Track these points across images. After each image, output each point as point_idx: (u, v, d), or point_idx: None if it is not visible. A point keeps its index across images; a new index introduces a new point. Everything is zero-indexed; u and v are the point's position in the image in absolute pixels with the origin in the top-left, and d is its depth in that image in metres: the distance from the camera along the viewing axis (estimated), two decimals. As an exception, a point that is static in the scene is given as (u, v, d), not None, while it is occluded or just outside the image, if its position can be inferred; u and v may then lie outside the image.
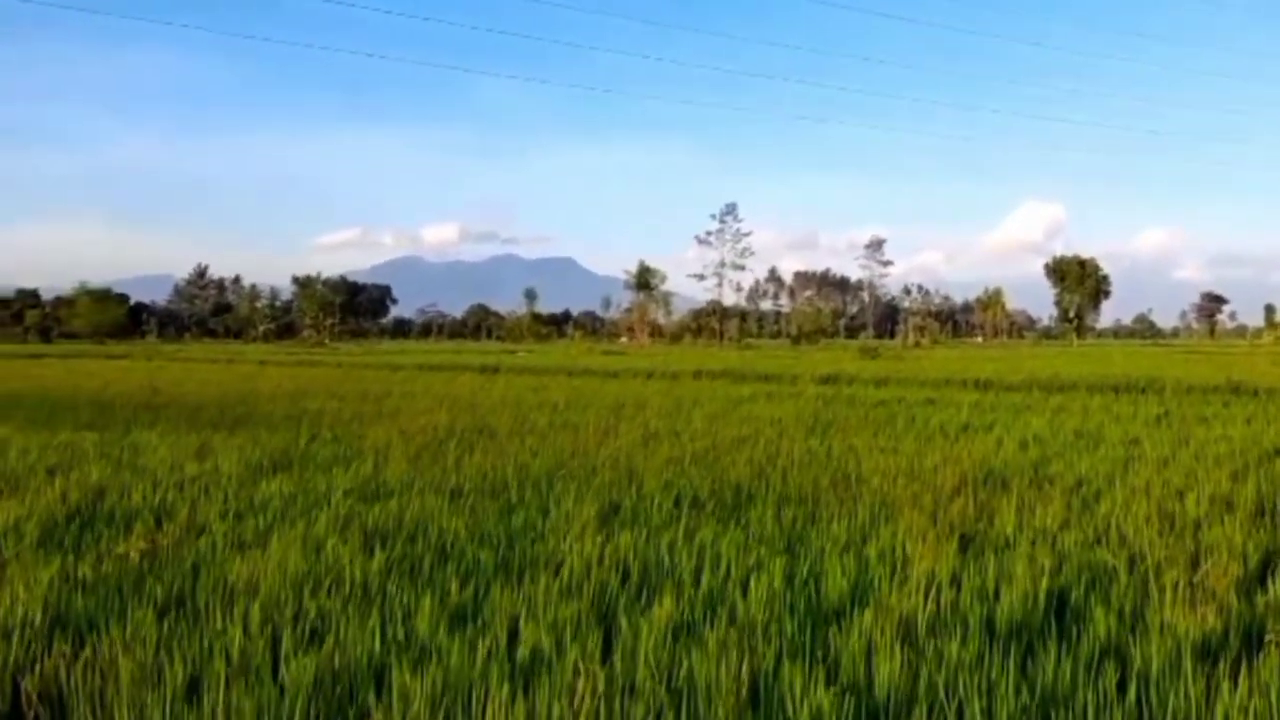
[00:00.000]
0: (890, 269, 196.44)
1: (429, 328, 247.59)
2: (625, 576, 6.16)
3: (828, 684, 4.15)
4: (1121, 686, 4.34)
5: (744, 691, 4.12)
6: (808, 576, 6.04)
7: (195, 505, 8.56)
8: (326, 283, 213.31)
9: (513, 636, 4.87)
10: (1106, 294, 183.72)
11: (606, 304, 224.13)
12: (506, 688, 4.06)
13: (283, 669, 4.37)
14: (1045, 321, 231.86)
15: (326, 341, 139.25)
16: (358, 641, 4.67)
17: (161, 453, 12.23)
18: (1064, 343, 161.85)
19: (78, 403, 21.01)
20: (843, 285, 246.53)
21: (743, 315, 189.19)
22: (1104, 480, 10.15)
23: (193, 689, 4.26)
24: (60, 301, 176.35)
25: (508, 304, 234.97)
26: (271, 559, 6.30)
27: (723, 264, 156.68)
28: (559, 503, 8.63)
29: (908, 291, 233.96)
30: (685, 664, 4.36)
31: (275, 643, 4.75)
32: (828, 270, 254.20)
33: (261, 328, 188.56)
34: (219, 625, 4.98)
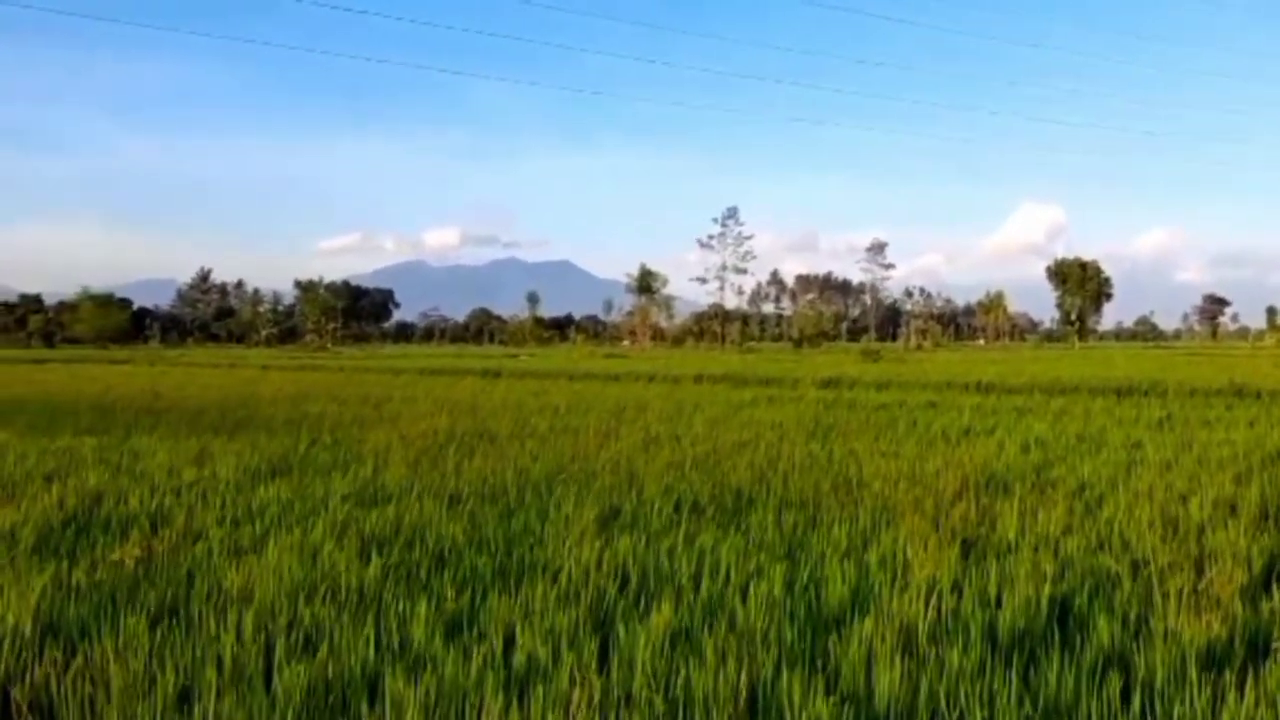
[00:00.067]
0: (892, 272, 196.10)
1: (431, 332, 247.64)
2: (624, 583, 6.10)
3: (827, 694, 4.09)
4: (1125, 696, 4.28)
5: (742, 701, 4.07)
6: (808, 582, 5.98)
7: (192, 511, 8.51)
8: (329, 287, 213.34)
9: (509, 644, 4.82)
10: (1108, 296, 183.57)
11: (608, 307, 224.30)
12: (501, 698, 4.01)
13: (276, 678, 4.32)
14: (1047, 324, 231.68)
15: (329, 346, 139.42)
16: (352, 650, 4.61)
17: (160, 458, 12.19)
18: (1066, 345, 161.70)
19: (79, 408, 20.97)
20: (844, 288, 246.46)
21: (744, 318, 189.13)
22: (1107, 484, 10.08)
23: (184, 698, 4.21)
24: (63, 306, 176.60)
25: (509, 308, 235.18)
26: (267, 566, 6.25)
27: (724, 267, 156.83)
28: (558, 507, 8.58)
29: (909, 294, 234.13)
30: (683, 673, 4.31)
31: (269, 651, 4.70)
32: (829, 273, 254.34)
33: (264, 332, 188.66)
34: (212, 633, 4.93)
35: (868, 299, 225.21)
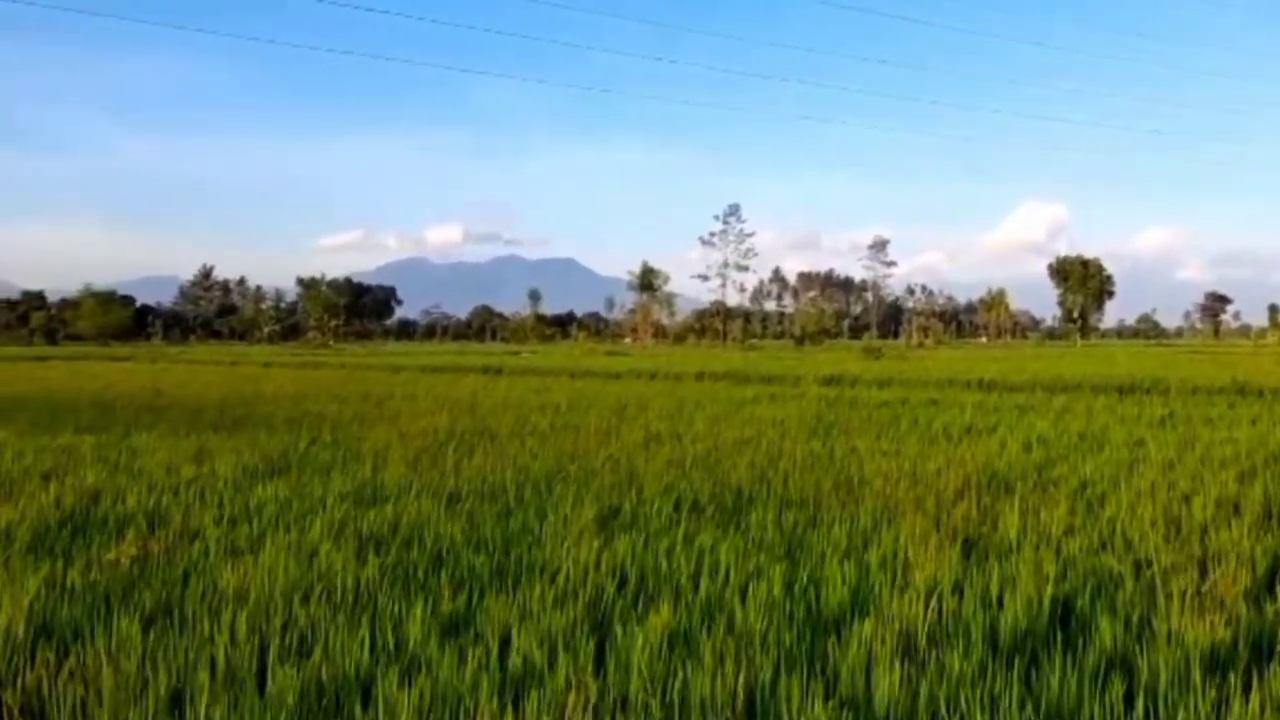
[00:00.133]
0: (894, 269, 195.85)
1: (433, 329, 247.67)
2: (622, 583, 6.06)
3: (826, 698, 4.04)
4: (1129, 700, 4.22)
5: (740, 705, 4.02)
6: (807, 583, 5.93)
7: (189, 510, 8.47)
8: (331, 284, 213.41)
9: (505, 646, 4.77)
10: (1110, 294, 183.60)
11: (610, 305, 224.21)
12: (495, 702, 3.96)
13: (269, 681, 4.27)
14: (1049, 322, 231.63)
15: (331, 343, 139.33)
16: (346, 652, 4.57)
17: (159, 456, 12.15)
18: (1068, 343, 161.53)
19: (79, 405, 20.95)
20: (846, 286, 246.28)
21: (746, 316, 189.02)
22: (1109, 483, 10.03)
23: (177, 702, 4.17)
24: (66, 304, 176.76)
25: (511, 305, 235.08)
26: (263, 566, 6.21)
27: (726, 265, 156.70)
28: (557, 507, 8.53)
29: (911, 292, 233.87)
30: (681, 676, 4.26)
31: (263, 653, 4.65)
32: (831, 271, 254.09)
33: (266, 329, 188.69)
34: (206, 635, 4.89)
35: (870, 296, 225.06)
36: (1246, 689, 4.26)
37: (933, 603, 5.34)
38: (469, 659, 4.43)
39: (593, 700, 3.95)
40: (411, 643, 4.80)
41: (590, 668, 4.39)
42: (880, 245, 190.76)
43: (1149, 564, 6.55)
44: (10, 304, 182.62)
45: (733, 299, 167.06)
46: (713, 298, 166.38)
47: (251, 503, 8.84)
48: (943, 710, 4.05)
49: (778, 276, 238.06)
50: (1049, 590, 5.68)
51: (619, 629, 4.94)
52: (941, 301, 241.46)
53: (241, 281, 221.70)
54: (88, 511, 8.46)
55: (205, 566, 6.42)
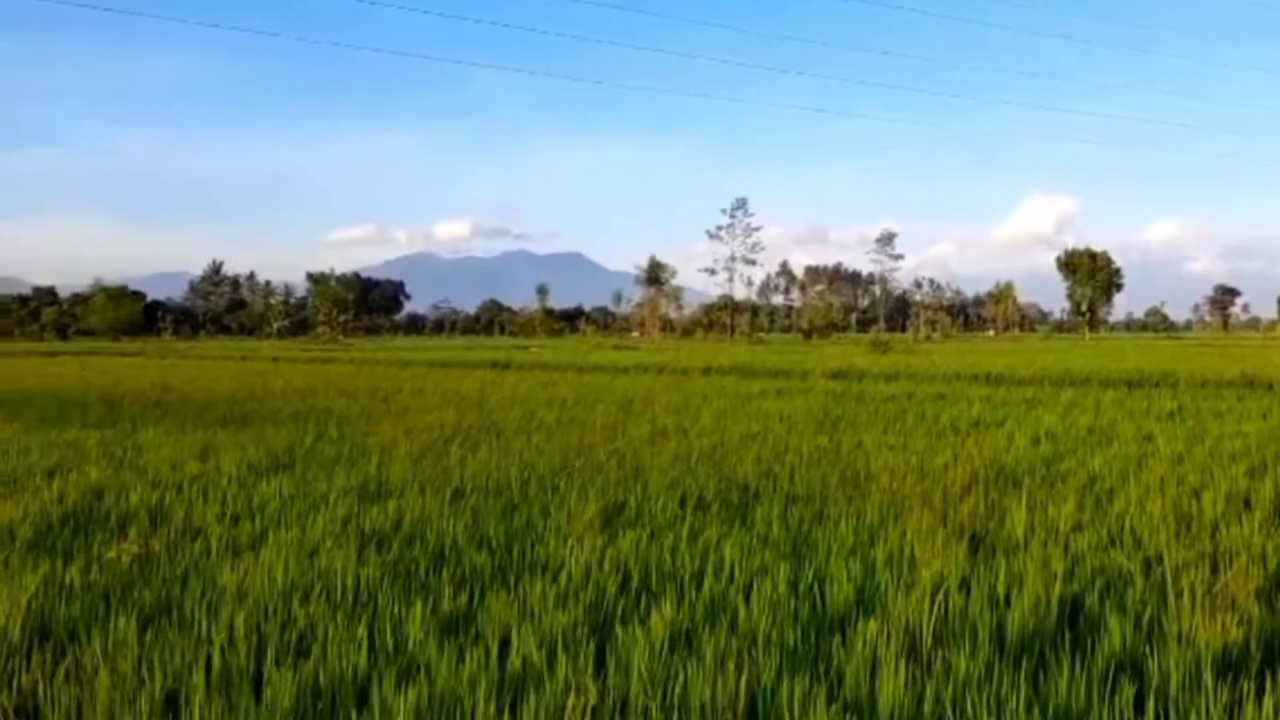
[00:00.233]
0: (901, 263, 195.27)
1: (442, 324, 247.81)
2: (626, 581, 6.00)
3: (829, 701, 3.98)
4: (1139, 703, 4.15)
5: (741, 709, 3.96)
6: (813, 581, 5.86)
7: (192, 507, 8.43)
8: (340, 279, 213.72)
9: (505, 646, 4.71)
10: (1118, 287, 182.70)
11: (618, 299, 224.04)
12: (493, 704, 3.90)
13: (265, 682, 4.22)
14: (1057, 315, 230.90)
15: (340, 338, 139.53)
16: (344, 653, 4.51)
17: (164, 452, 12.13)
18: (1076, 336, 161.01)
19: (87, 401, 20.97)
20: (854, 279, 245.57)
21: (754, 310, 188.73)
22: (1118, 478, 9.94)
23: (172, 703, 4.12)
24: (77, 299, 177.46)
25: (520, 299, 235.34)
26: (263, 564, 6.16)
27: (733, 258, 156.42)
28: (562, 503, 8.47)
29: (918, 285, 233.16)
30: (682, 678, 4.19)
31: (260, 653, 4.61)
32: (839, 264, 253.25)
33: (276, 324, 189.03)
34: (204, 635, 4.84)
35: (877, 290, 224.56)
36: (1260, 692, 4.18)
37: (939, 601, 5.26)
38: (468, 660, 4.37)
39: (592, 702, 3.89)
40: (410, 643, 4.75)
41: (590, 669, 4.33)
42: (888, 238, 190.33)
43: (1159, 561, 6.46)
44: (22, 300, 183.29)
45: (740, 293, 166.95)
46: (720, 291, 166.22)
47: (255, 499, 8.80)
48: (948, 714, 3.98)
49: (785, 270, 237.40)
50: (1057, 589, 5.60)
51: (620, 629, 4.88)
52: (949, 295, 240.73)
53: (251, 277, 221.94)
54: (90, 508, 8.43)
55: (206, 565, 6.38)
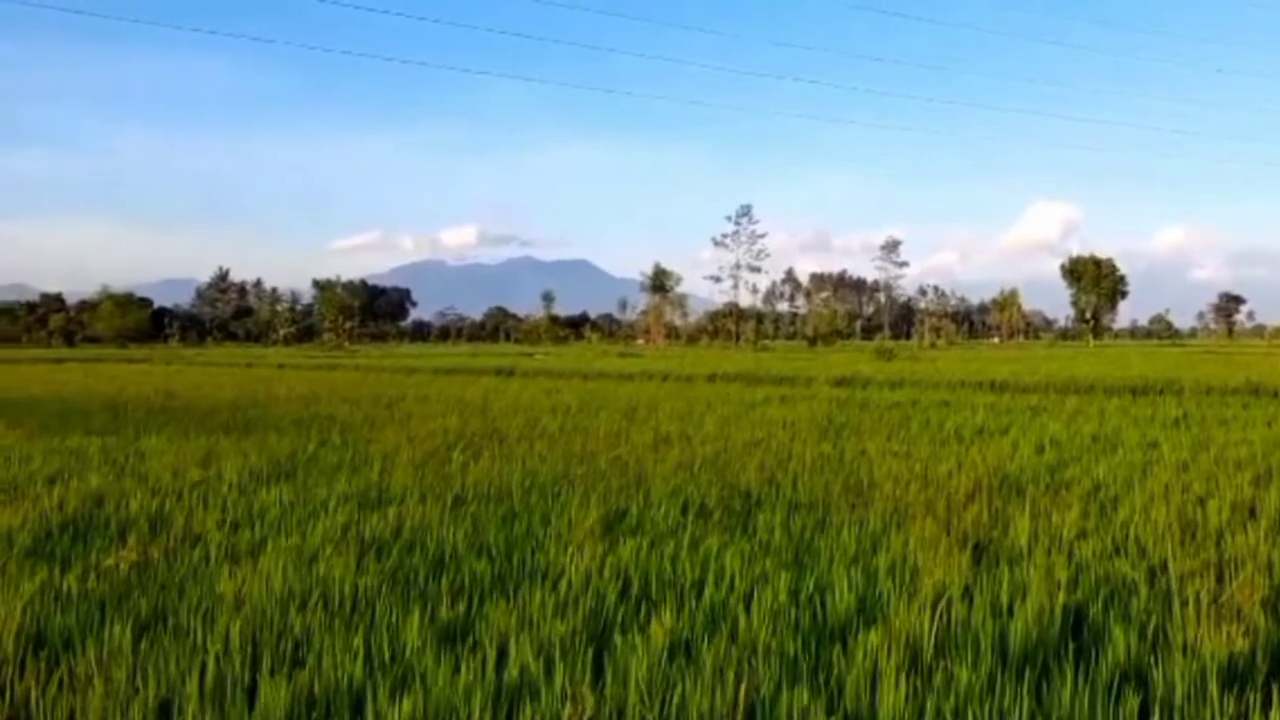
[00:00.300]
0: (906, 270, 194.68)
1: (448, 330, 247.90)
2: (626, 589, 5.95)
3: (829, 713, 3.93)
4: (1144, 715, 4.09)
5: None
6: (814, 590, 5.81)
7: (192, 514, 8.40)
8: (346, 286, 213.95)
9: (503, 656, 4.67)
10: (1123, 294, 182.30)
11: (623, 306, 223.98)
12: (489, 714, 3.86)
13: (259, 692, 4.18)
14: (1061, 322, 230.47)
15: (346, 345, 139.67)
16: (340, 663, 4.47)
17: (166, 459, 12.11)
18: (1080, 343, 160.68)
19: (91, 408, 20.98)
20: (858, 286, 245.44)
21: (759, 317, 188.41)
22: (1122, 486, 9.88)
23: (165, 713, 4.09)
24: (84, 306, 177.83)
25: (525, 306, 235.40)
26: (261, 572, 6.12)
27: (738, 266, 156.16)
28: (563, 510, 8.43)
29: (923, 292, 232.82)
30: (680, 688, 4.14)
31: (255, 663, 4.57)
32: (844, 271, 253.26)
33: (282, 331, 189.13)
34: (199, 643, 4.80)
35: (882, 297, 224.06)
36: (1267, 704, 4.12)
37: (941, 610, 5.21)
38: (464, 670, 4.32)
39: (589, 713, 3.85)
40: (407, 652, 4.70)
41: (588, 679, 4.29)
42: (892, 246, 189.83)
43: (1163, 570, 6.41)
44: (30, 306, 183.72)
45: (745, 300, 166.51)
46: (725, 299, 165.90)
47: (255, 506, 8.77)
48: (949, 725, 3.92)
49: (790, 277, 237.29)
50: (1061, 598, 5.54)
51: (619, 638, 4.84)
52: (954, 302, 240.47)
53: (258, 283, 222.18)
54: (90, 515, 8.40)
55: (204, 572, 6.35)
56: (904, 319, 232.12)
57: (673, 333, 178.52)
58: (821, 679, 4.39)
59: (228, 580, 5.97)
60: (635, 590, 5.92)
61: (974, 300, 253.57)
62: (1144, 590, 5.91)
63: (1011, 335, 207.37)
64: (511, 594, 5.77)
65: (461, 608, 5.44)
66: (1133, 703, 4.08)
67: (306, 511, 8.50)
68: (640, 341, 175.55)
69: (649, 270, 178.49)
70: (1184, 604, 5.51)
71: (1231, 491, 9.34)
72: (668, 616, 5.13)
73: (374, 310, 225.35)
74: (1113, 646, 4.81)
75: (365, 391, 26.49)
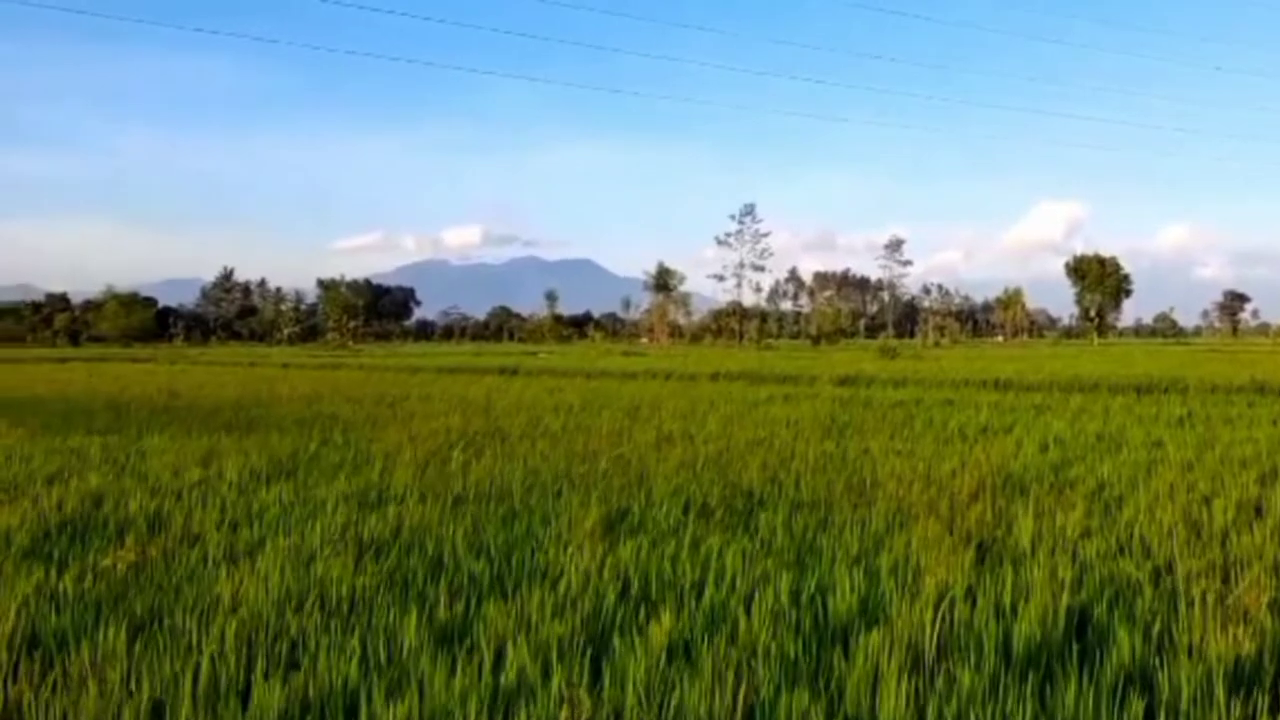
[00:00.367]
0: (909, 269, 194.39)
1: (451, 330, 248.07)
2: (625, 589, 5.90)
3: (829, 716, 3.88)
4: (1149, 717, 4.03)
5: (739, 723, 3.86)
6: (815, 591, 5.76)
7: (191, 514, 8.36)
8: (350, 285, 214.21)
9: (500, 658, 4.62)
10: (1127, 293, 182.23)
11: (626, 305, 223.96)
12: (485, 717, 3.81)
13: (253, 695, 4.14)
14: (1066, 320, 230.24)
15: (350, 344, 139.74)
16: (335, 665, 4.42)
17: (167, 458, 12.08)
18: (1084, 342, 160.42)
19: (94, 407, 20.96)
20: (862, 285, 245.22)
21: (762, 316, 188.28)
22: (1127, 485, 9.82)
23: (158, 715, 4.04)
24: (89, 306, 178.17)
25: (529, 306, 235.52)
26: (259, 573, 6.08)
27: (742, 265, 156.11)
28: (564, 510, 8.38)
29: (927, 291, 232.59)
30: (679, 691, 4.09)
31: (250, 664, 4.52)
32: (847, 270, 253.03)
33: (286, 330, 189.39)
34: (194, 645, 4.76)
35: (885, 296, 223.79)
36: (1275, 707, 4.07)
37: (943, 611, 5.15)
38: (460, 672, 4.28)
39: (585, 717, 3.80)
40: (404, 654, 4.66)
41: (585, 681, 4.24)
42: (896, 244, 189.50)
43: (1169, 570, 6.35)
44: (35, 306, 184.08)
45: (749, 299, 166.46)
46: (729, 298, 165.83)
47: (254, 506, 8.73)
48: (952, 729, 3.87)
49: (794, 276, 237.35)
50: (1065, 599, 5.48)
51: (618, 640, 4.79)
52: (958, 301, 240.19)
53: (262, 283, 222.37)
54: (89, 515, 8.37)
55: (201, 573, 6.30)
56: (908, 318, 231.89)
57: (676, 332, 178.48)
58: (822, 681, 4.33)
59: (225, 581, 5.93)
60: (635, 591, 5.87)
61: (978, 299, 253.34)
62: (1149, 591, 5.85)
63: (1016, 334, 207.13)
64: (510, 595, 5.72)
65: (459, 609, 5.39)
66: (1138, 706, 4.03)
67: (306, 511, 8.46)
68: (644, 340, 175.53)
69: (653, 269, 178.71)
70: (1189, 605, 5.45)
71: (1237, 490, 9.28)
72: (667, 618, 5.08)
73: (378, 310, 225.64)
74: (1117, 648, 4.75)
75: (368, 391, 26.46)
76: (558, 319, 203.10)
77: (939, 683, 4.26)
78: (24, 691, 4.25)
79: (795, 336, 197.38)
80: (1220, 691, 4.17)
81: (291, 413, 19.31)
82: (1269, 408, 19.46)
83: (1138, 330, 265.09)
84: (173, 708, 4.01)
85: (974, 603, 5.52)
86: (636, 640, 4.74)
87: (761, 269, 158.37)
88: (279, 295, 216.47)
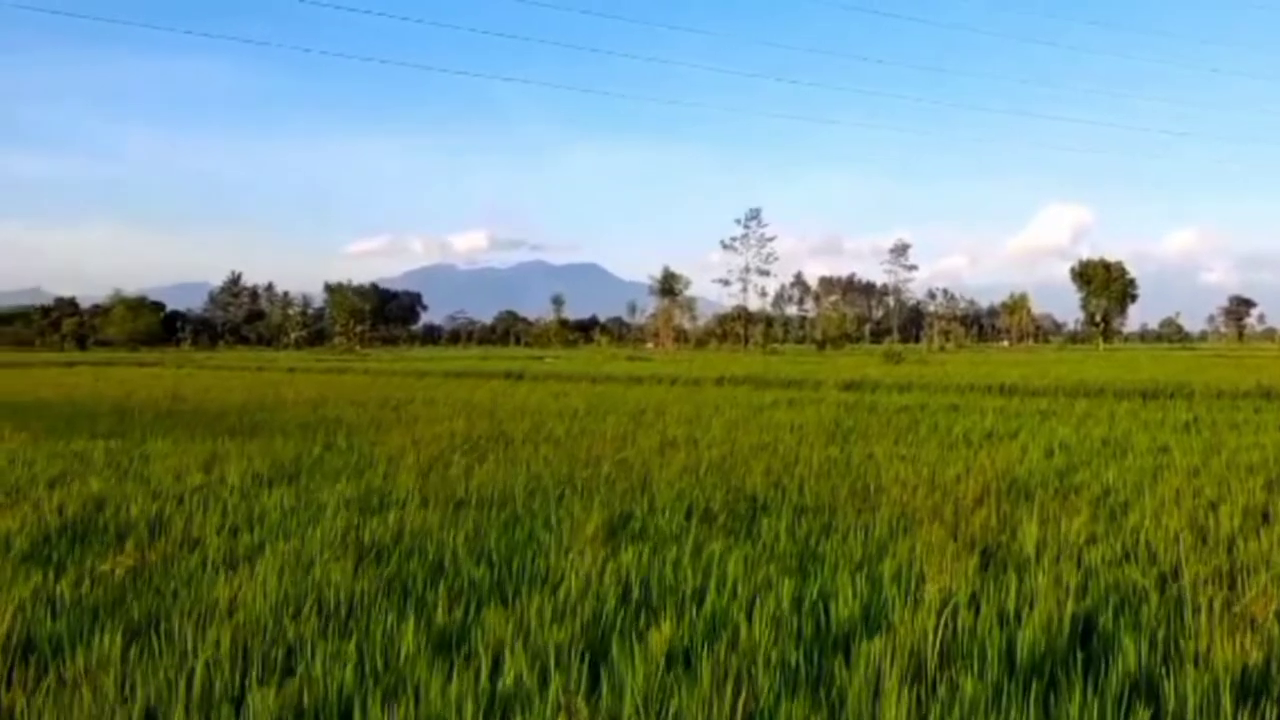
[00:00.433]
0: (914, 273, 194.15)
1: (458, 334, 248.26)
2: (626, 595, 5.86)
3: (828, 725, 3.83)
4: (1153, 728, 3.98)
5: (738, 732, 3.81)
6: (817, 597, 5.70)
7: (192, 518, 8.33)
8: (357, 290, 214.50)
9: (498, 664, 4.57)
10: (1133, 297, 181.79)
11: (632, 310, 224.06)
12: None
13: (246, 702, 4.10)
14: (1071, 326, 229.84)
15: (357, 348, 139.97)
16: (330, 671, 4.38)
17: (170, 462, 12.05)
18: (1090, 347, 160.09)
19: (99, 411, 20.97)
20: (867, 290, 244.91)
21: (767, 320, 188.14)
22: (1132, 491, 9.75)
23: (152, 722, 4.00)
24: (97, 310, 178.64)
25: (536, 310, 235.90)
26: (258, 578, 6.04)
27: (747, 269, 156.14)
28: (566, 515, 8.34)
29: (932, 296, 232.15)
30: (677, 699, 4.04)
31: (245, 671, 4.48)
32: (853, 275, 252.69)
33: (293, 335, 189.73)
34: (190, 651, 4.72)
35: (891, 301, 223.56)
36: (1281, 718, 4.01)
37: (946, 619, 5.10)
38: (457, 679, 4.23)
39: (583, 725, 3.75)
40: (401, 660, 4.61)
41: (583, 689, 4.19)
42: (901, 249, 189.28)
43: (1175, 577, 6.29)
44: (44, 310, 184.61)
45: (754, 303, 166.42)
46: (734, 302, 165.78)
47: (255, 510, 8.70)
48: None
49: (799, 281, 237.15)
50: (1069, 606, 5.42)
51: (617, 646, 4.74)
52: (963, 305, 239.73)
53: (269, 287, 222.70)
54: (90, 519, 8.33)
55: (200, 578, 6.27)
56: (913, 322, 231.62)
57: (681, 336, 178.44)
58: (823, 690, 4.28)
59: (223, 586, 5.89)
60: (636, 597, 5.82)
61: (983, 304, 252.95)
62: (1154, 598, 5.79)
63: (1021, 339, 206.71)
64: (510, 600, 5.68)
65: (458, 614, 5.35)
66: (1143, 715, 3.97)
67: (307, 516, 8.43)
68: (649, 345, 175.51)
69: (658, 274, 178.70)
70: (1196, 613, 5.39)
71: (1244, 496, 9.21)
72: (667, 624, 5.03)
73: (385, 314, 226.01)
74: (1123, 657, 4.69)
75: (374, 395, 26.45)
76: (564, 323, 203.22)
77: (941, 691, 4.21)
78: (17, 698, 4.21)
79: (800, 341, 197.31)
80: (1227, 701, 4.11)
81: (296, 417, 19.29)
82: (1275, 413, 19.36)
83: (1143, 335, 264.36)
84: (165, 715, 3.97)
85: (978, 610, 5.47)
86: (636, 647, 4.69)
87: (767, 273, 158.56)
88: (286, 300, 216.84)
